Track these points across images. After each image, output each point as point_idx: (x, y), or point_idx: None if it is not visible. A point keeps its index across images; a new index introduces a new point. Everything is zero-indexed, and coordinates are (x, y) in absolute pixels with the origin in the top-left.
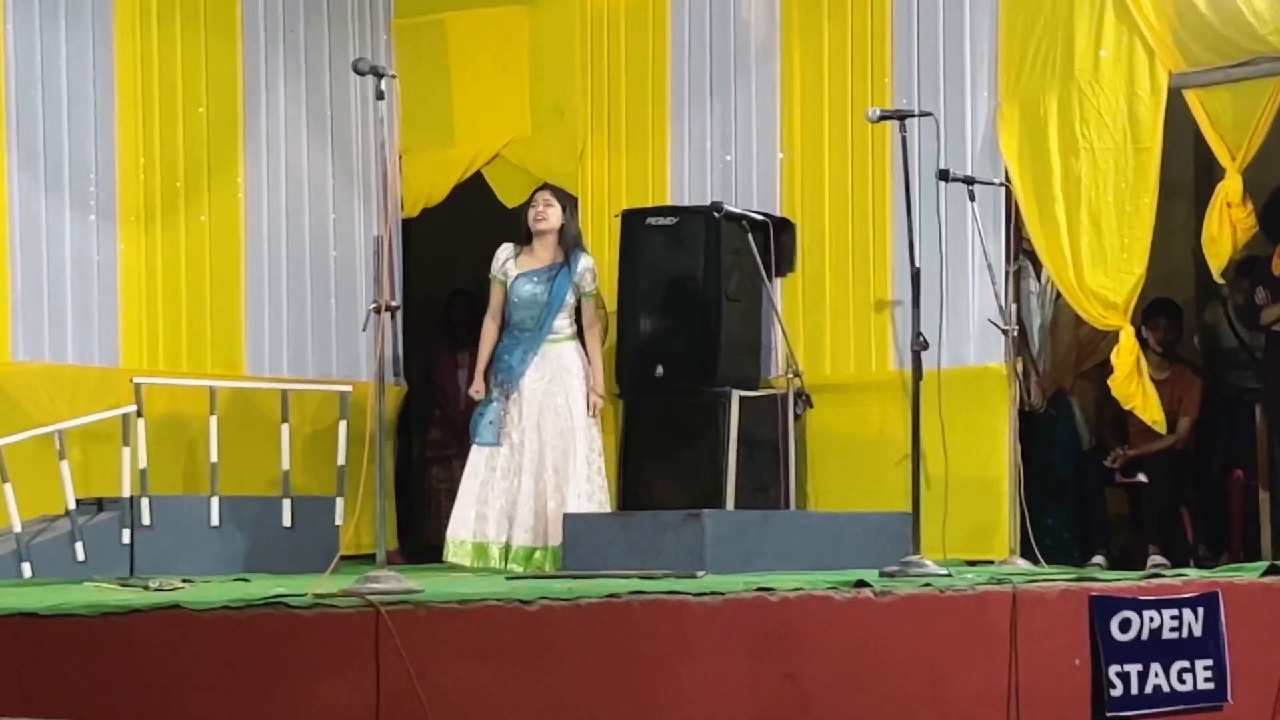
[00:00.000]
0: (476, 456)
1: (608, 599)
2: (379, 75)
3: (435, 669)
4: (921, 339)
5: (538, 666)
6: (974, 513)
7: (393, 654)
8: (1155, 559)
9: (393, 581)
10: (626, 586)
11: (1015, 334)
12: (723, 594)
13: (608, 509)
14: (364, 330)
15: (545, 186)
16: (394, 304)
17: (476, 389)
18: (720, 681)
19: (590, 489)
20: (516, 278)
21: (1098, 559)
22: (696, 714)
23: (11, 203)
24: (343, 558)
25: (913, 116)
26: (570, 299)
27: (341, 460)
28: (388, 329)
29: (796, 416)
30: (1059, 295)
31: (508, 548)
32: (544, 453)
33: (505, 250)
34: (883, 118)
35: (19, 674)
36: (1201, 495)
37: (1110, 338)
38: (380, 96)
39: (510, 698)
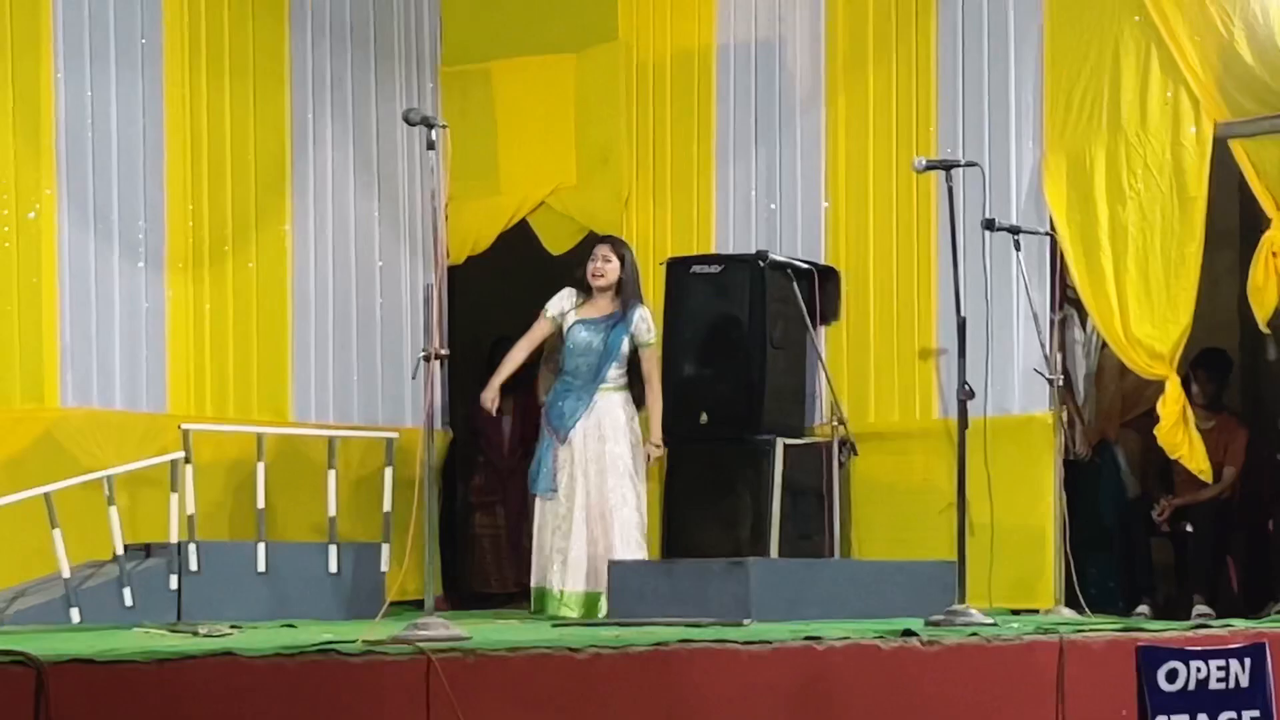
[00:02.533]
0: (541, 507)
1: (655, 647)
2: (430, 125)
3: (485, 716)
4: (967, 388)
5: (586, 715)
6: (1019, 562)
7: (443, 702)
8: (1200, 609)
9: (441, 628)
10: (674, 635)
11: (1060, 383)
12: (770, 643)
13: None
14: (414, 378)
15: (606, 239)
16: (444, 352)
17: (492, 398)
18: None
19: (639, 537)
20: (575, 324)
21: (1142, 609)
22: None
23: (62, 249)
24: (393, 604)
25: (959, 166)
26: (625, 349)
27: (387, 506)
28: (436, 377)
29: (841, 464)
30: (1104, 344)
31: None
32: (592, 500)
33: (568, 294)
34: (929, 167)
35: (76, 719)
36: (1247, 545)
37: (1155, 387)
38: (431, 147)
39: None
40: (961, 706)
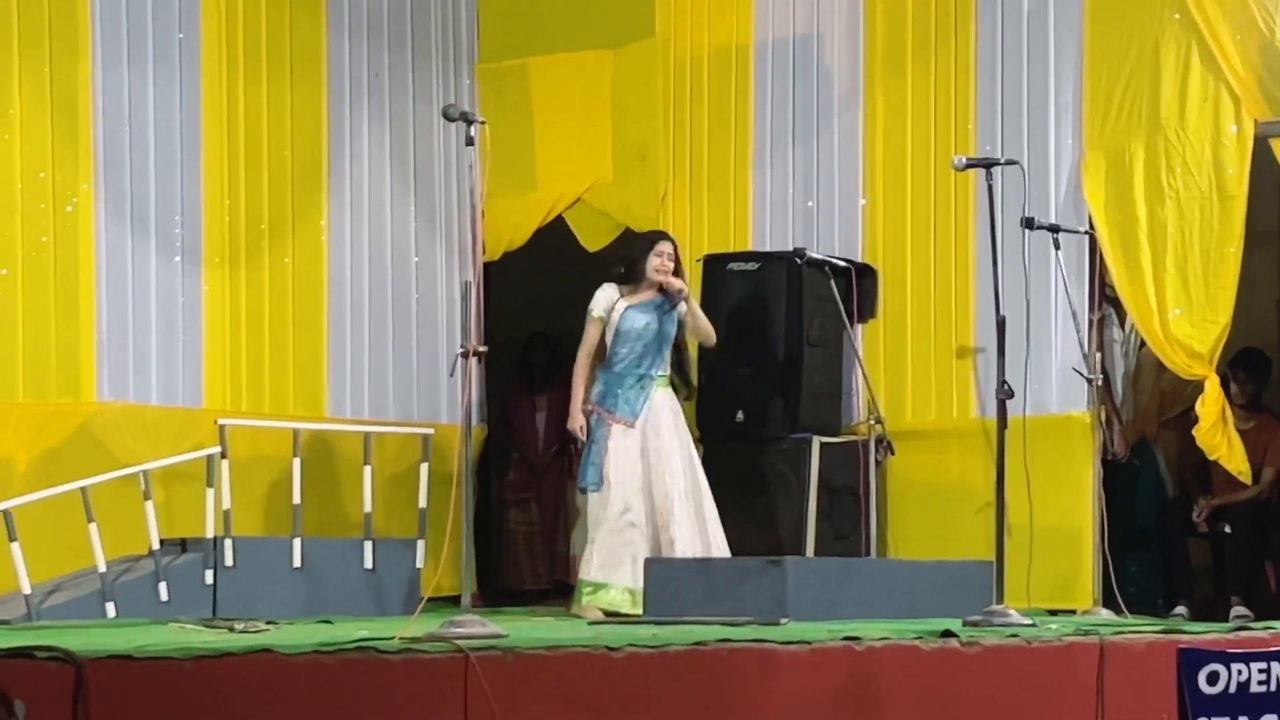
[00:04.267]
0: (597, 502)
1: (694, 647)
2: (469, 121)
3: (523, 715)
4: (1006, 387)
5: (624, 714)
6: (1056, 562)
7: (481, 700)
8: (1238, 610)
9: (477, 626)
10: (713, 634)
11: (1100, 382)
12: (809, 643)
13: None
14: (451, 375)
15: (667, 237)
16: (482, 349)
17: (580, 424)
18: None
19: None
20: (626, 309)
21: (1180, 610)
22: None
23: (99, 245)
24: (432, 600)
25: (999, 164)
26: (674, 334)
27: (423, 503)
28: (474, 374)
29: (878, 463)
30: (1142, 343)
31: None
32: (662, 492)
33: (612, 289)
34: (969, 165)
35: (113, 716)
36: None
37: (1194, 386)
38: (470, 142)
39: None
40: (1001, 708)
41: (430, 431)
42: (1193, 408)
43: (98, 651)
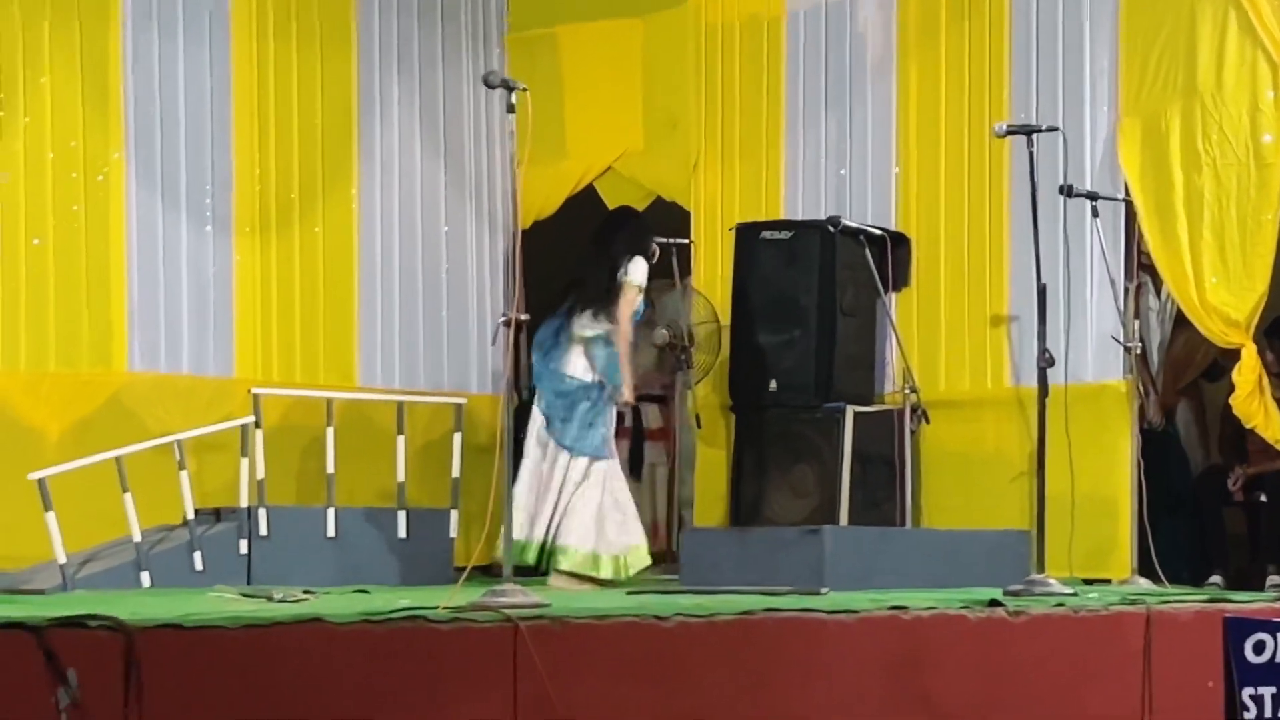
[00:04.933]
0: (609, 470)
1: (742, 616)
2: (510, 88)
3: (571, 683)
4: (1048, 355)
5: (673, 683)
6: (1093, 531)
7: (530, 668)
8: (1274, 579)
9: (520, 595)
10: (759, 604)
11: (1138, 351)
12: (856, 612)
13: None
14: (493, 344)
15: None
16: (524, 317)
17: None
18: (855, 700)
19: None
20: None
21: (1215, 579)
22: None
23: (130, 215)
24: (459, 570)
25: (1040, 131)
26: None
27: (456, 472)
28: (513, 342)
29: (912, 432)
30: (1177, 312)
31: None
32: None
33: (645, 266)
34: (1009, 132)
35: (164, 684)
36: None
37: (1201, 354)
38: (511, 110)
39: (645, 713)
40: (1048, 676)
41: (463, 401)
42: (1204, 375)
43: (148, 620)
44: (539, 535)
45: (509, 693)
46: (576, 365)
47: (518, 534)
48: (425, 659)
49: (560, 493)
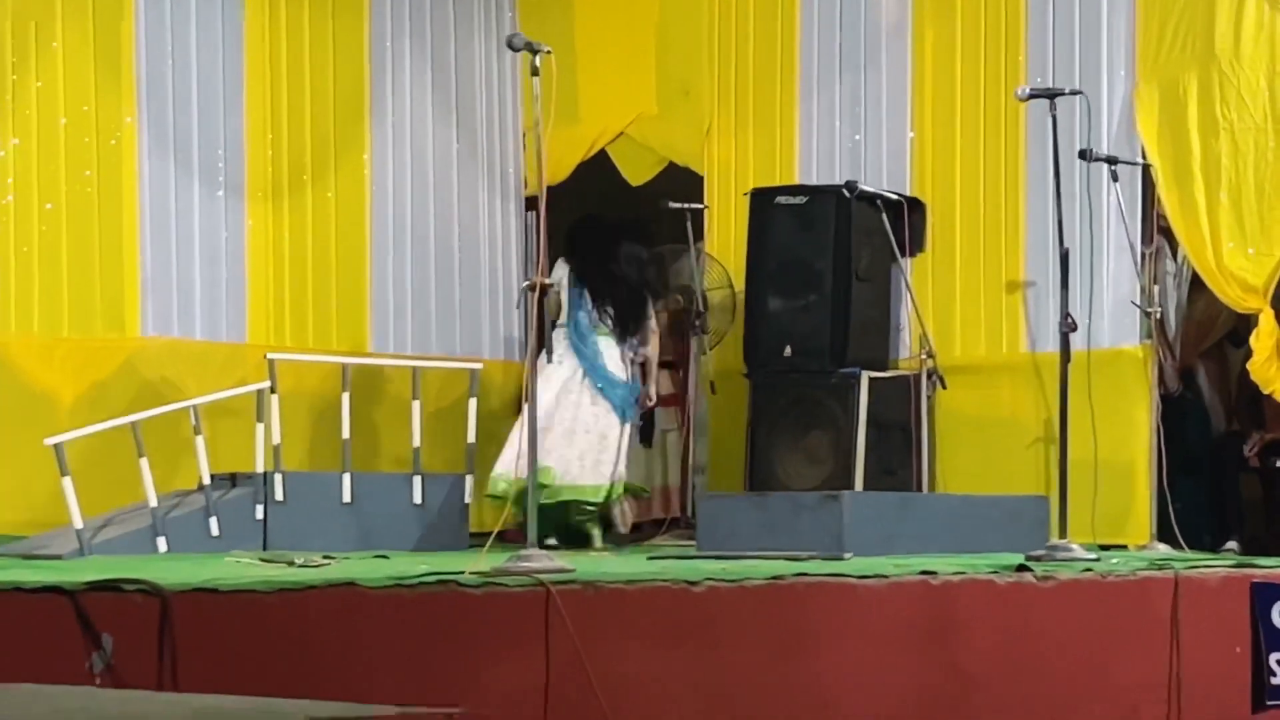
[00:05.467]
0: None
1: (772, 581)
2: (534, 51)
3: (603, 648)
4: (1070, 320)
5: (704, 647)
6: (1110, 496)
7: (562, 633)
8: None
9: (545, 560)
10: (790, 569)
11: (1157, 316)
12: (886, 576)
13: None
14: (517, 308)
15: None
16: (548, 282)
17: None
18: (885, 664)
19: None
20: None
21: (1231, 544)
22: (862, 697)
23: (142, 180)
24: (475, 535)
25: (1062, 95)
26: None
27: (471, 438)
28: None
29: (927, 398)
30: (1193, 275)
31: None
32: None
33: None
34: (1032, 96)
35: (198, 648)
36: None
37: (1223, 318)
38: (535, 73)
39: (677, 677)
40: (1078, 641)
41: (479, 366)
42: (1226, 339)
43: (182, 584)
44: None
45: (541, 657)
46: (612, 359)
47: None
48: (458, 623)
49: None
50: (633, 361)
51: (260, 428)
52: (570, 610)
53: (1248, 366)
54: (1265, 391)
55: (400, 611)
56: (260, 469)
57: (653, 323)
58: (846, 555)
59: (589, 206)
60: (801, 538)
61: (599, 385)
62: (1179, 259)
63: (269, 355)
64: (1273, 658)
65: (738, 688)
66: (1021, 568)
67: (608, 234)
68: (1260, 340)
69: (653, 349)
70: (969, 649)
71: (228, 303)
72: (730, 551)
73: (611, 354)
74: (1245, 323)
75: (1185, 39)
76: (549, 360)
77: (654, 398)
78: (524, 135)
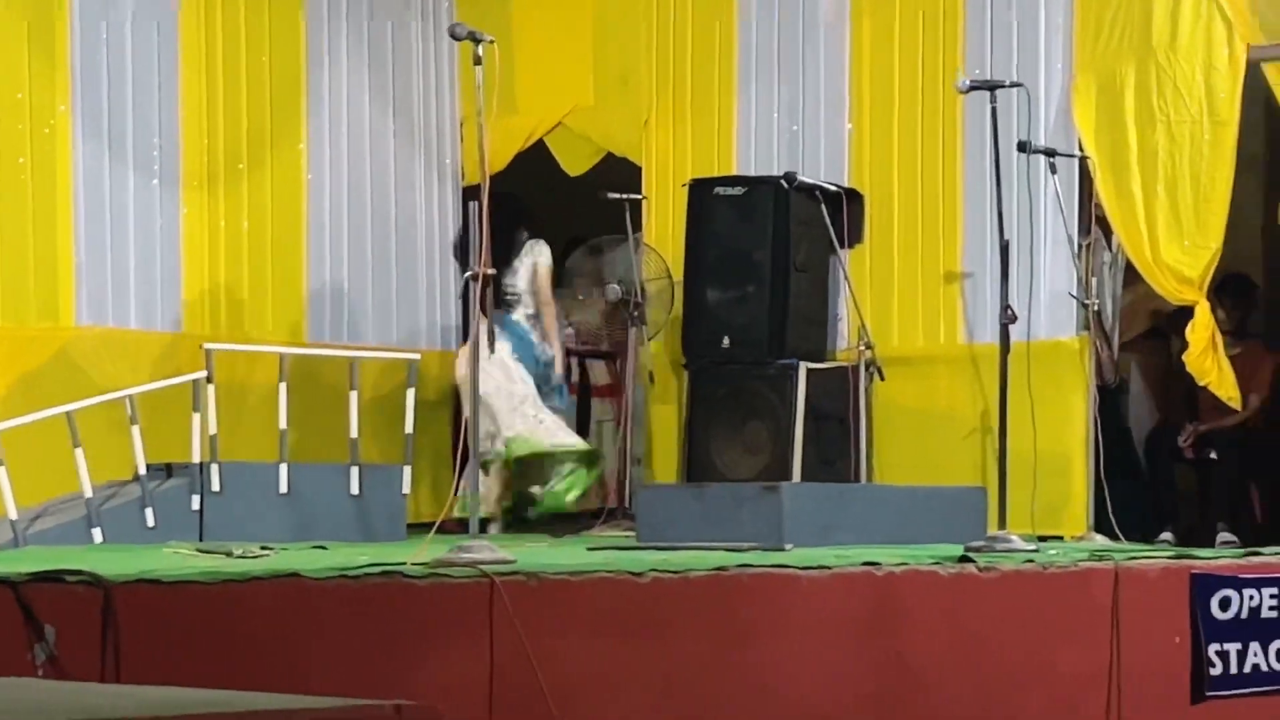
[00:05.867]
0: None
1: (716, 571)
2: (477, 40)
3: (547, 639)
4: (1010, 312)
5: (648, 638)
6: (1047, 488)
7: (506, 624)
8: (1224, 536)
9: (487, 551)
10: (733, 560)
11: (1095, 307)
12: (829, 568)
13: None
14: (460, 298)
15: None
16: (490, 272)
17: None
18: (829, 655)
19: None
20: None
21: (1165, 536)
22: (806, 687)
23: (76, 167)
24: (413, 526)
25: (1002, 87)
26: None
27: (409, 428)
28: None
29: (865, 389)
30: (1127, 266)
31: None
32: None
33: None
34: (973, 87)
35: (141, 639)
36: (1271, 472)
37: (1148, 309)
38: (478, 62)
39: (621, 669)
40: (1019, 632)
41: (417, 356)
42: (1151, 330)
43: (125, 575)
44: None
45: (486, 648)
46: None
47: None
48: (402, 615)
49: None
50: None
51: (196, 418)
52: (514, 601)
53: (1183, 359)
54: (1201, 383)
55: (344, 603)
56: (196, 459)
57: (542, 263)
58: (788, 546)
59: (527, 197)
60: (741, 529)
61: (528, 363)
62: (1114, 247)
63: (205, 346)
64: (1211, 648)
65: (682, 679)
66: (963, 559)
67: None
68: (1196, 333)
69: (553, 301)
70: (912, 640)
71: (163, 292)
72: (671, 542)
73: (527, 332)
74: (1168, 318)
75: (1123, 31)
76: (490, 352)
77: (557, 350)
78: (461, 124)
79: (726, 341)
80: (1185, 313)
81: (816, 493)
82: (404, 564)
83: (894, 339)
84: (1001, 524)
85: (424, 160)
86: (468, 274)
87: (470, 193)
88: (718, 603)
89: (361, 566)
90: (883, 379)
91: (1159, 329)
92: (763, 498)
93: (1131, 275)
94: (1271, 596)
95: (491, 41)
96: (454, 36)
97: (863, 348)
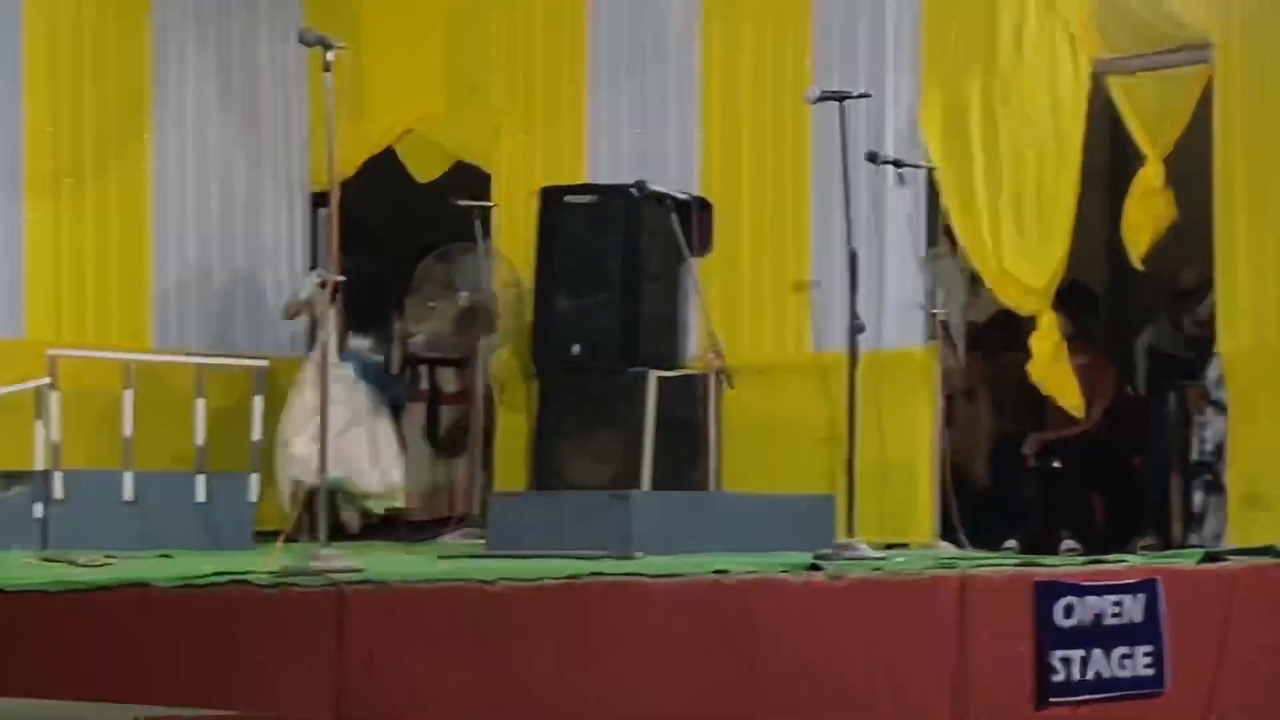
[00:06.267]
0: None
1: (567, 580)
2: (327, 46)
3: (397, 649)
4: (858, 321)
5: (499, 647)
6: (895, 496)
7: (355, 633)
8: (1067, 544)
9: (336, 560)
10: (584, 569)
11: (943, 317)
12: (680, 576)
13: None
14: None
15: None
16: (339, 279)
17: None
18: (680, 664)
19: None
20: None
21: (1010, 544)
22: (657, 696)
23: None
24: (261, 534)
25: (851, 98)
26: None
27: (257, 435)
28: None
29: (715, 397)
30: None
31: None
32: None
33: None
34: (822, 98)
35: None
36: (1113, 481)
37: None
38: (328, 68)
39: (472, 677)
40: (868, 640)
41: (264, 364)
42: (998, 339)
43: None
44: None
45: (335, 658)
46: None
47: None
48: (250, 624)
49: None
50: None
51: (39, 424)
52: (363, 610)
53: (1028, 368)
54: (1045, 392)
55: (191, 612)
56: (39, 467)
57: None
58: (638, 555)
59: (376, 204)
60: (591, 537)
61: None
62: (960, 260)
63: (49, 351)
64: (1055, 655)
65: (533, 688)
66: (812, 567)
67: None
68: (1039, 343)
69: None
70: (762, 648)
71: (6, 297)
72: (521, 551)
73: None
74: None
75: (969, 44)
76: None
77: None
78: (310, 130)
79: (576, 349)
80: (1030, 323)
81: (666, 501)
82: (251, 573)
83: (744, 347)
84: (850, 532)
85: (272, 165)
86: (316, 281)
87: (318, 199)
88: (568, 611)
89: (208, 575)
90: (732, 387)
91: (1005, 338)
92: (612, 506)
93: (978, 285)
94: (1114, 605)
95: (342, 48)
96: (303, 42)
97: (712, 356)
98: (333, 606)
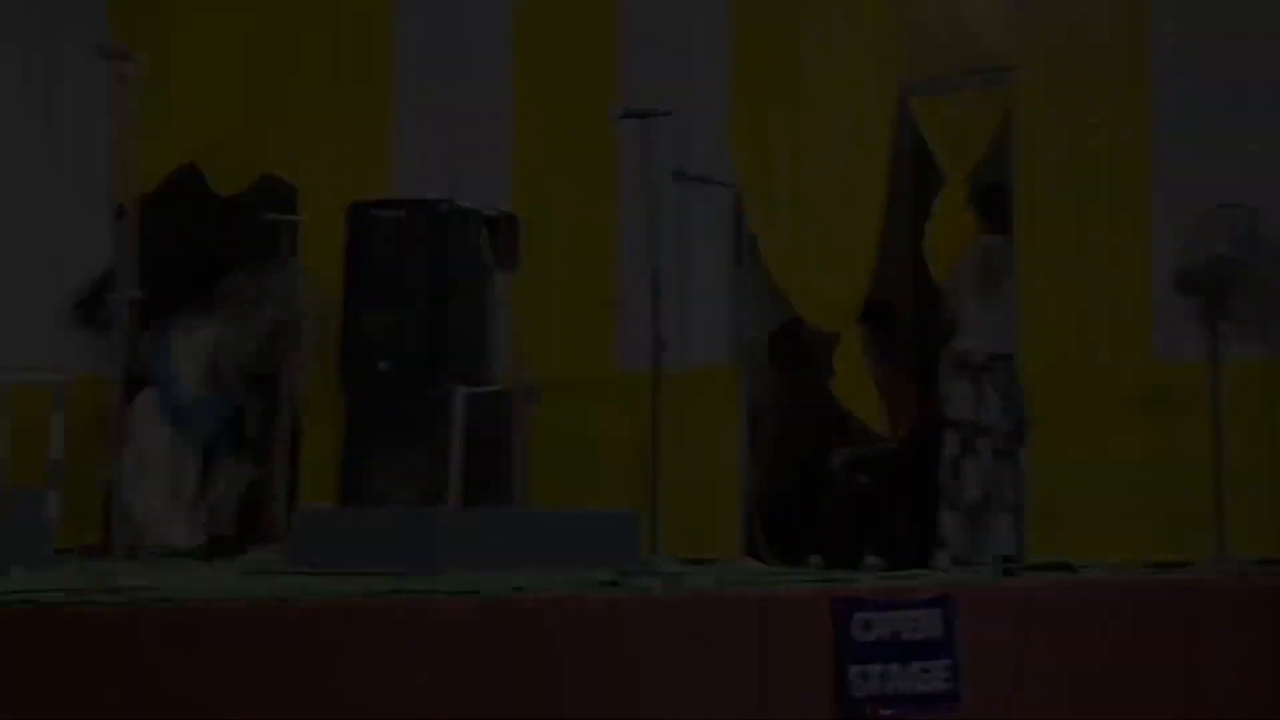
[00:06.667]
0: None
1: (366, 598)
2: (126, 58)
3: (192, 668)
4: (662, 339)
5: (296, 665)
6: (699, 512)
7: (148, 652)
8: (872, 560)
9: (133, 577)
10: (383, 586)
11: (750, 336)
12: (478, 593)
13: None
14: (103, 319)
15: None
16: (136, 294)
17: None
18: (477, 682)
19: None
20: None
21: (814, 560)
22: (454, 712)
23: None
24: (60, 551)
25: (655, 115)
26: None
27: (57, 453)
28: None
29: (523, 413)
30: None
31: None
32: None
33: None
34: (627, 115)
35: None
36: (914, 498)
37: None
38: (124, 82)
39: (267, 697)
40: (667, 656)
41: (64, 379)
42: (804, 356)
43: None
44: None
45: (127, 677)
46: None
47: None
48: (41, 643)
49: None
50: None
51: None
52: (157, 629)
53: (832, 385)
54: (847, 409)
55: None
56: None
57: None
58: (440, 571)
59: (178, 217)
60: (396, 554)
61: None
62: (766, 277)
63: None
64: (854, 670)
65: (331, 708)
66: (614, 583)
67: None
68: (843, 360)
69: None
70: (561, 664)
71: None
72: (324, 567)
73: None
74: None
75: (776, 63)
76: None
77: None
78: (112, 144)
79: (383, 365)
80: (835, 340)
81: (470, 518)
82: (43, 591)
83: (551, 364)
84: (654, 548)
85: (74, 178)
86: (115, 297)
87: (121, 212)
88: (367, 629)
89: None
90: (539, 403)
91: (810, 356)
92: (417, 522)
93: (784, 302)
94: (912, 620)
95: (141, 60)
96: (102, 55)
97: (520, 372)
98: (126, 625)
